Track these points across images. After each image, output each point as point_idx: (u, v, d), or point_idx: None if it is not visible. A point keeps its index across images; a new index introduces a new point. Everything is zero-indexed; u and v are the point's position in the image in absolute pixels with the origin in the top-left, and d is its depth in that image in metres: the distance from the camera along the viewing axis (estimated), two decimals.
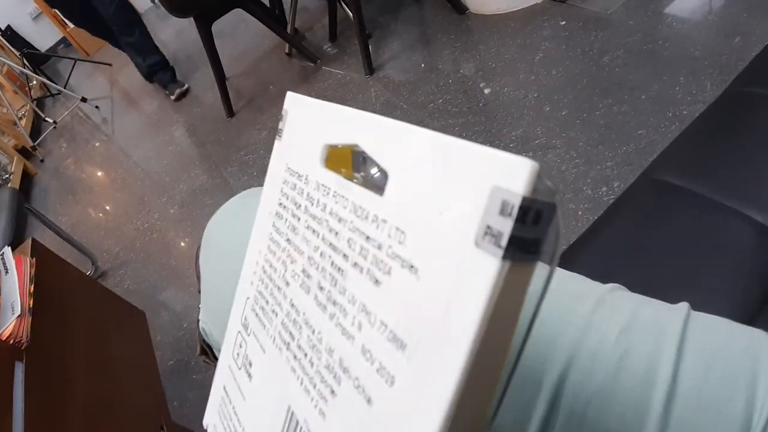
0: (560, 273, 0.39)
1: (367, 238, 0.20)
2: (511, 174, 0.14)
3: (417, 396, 0.16)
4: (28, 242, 1.07)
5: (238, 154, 2.30)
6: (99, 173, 3.03)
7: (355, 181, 0.21)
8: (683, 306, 0.35)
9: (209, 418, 0.34)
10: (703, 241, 0.61)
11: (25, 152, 3.51)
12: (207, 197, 2.20)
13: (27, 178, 3.31)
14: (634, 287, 0.38)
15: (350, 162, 0.22)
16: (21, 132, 3.58)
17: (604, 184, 1.33)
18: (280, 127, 0.30)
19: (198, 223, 2.11)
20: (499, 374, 0.15)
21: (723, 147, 0.69)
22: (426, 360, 0.16)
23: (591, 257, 0.67)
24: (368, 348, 0.18)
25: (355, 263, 0.20)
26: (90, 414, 0.91)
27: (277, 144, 0.30)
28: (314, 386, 0.21)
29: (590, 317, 0.34)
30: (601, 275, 0.39)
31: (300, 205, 0.25)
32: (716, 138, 0.71)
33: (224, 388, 0.31)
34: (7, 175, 3.17)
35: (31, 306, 0.92)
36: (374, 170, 0.20)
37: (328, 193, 0.23)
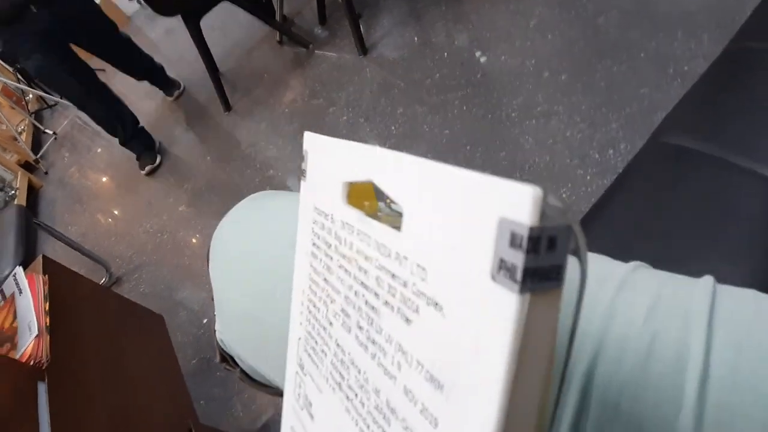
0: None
1: (393, 275, 0.19)
2: (516, 203, 0.13)
3: None
4: (39, 259, 1.07)
5: (239, 147, 2.29)
6: (104, 179, 3.03)
7: (379, 213, 0.21)
8: (708, 280, 0.33)
9: None
10: (718, 204, 0.60)
11: (28, 166, 3.52)
12: (213, 194, 2.20)
13: (33, 191, 3.32)
14: (653, 257, 0.37)
15: (373, 194, 0.22)
16: (22, 146, 3.58)
17: (611, 147, 1.31)
18: (303, 167, 0.29)
19: (207, 220, 2.11)
20: (542, 398, 0.15)
21: (729, 105, 0.68)
22: (463, 400, 0.15)
23: (606, 228, 0.66)
24: (410, 388, 0.18)
25: (386, 302, 0.20)
26: (116, 425, 0.92)
27: (302, 184, 0.30)
28: (368, 427, 0.21)
29: (614, 302, 0.33)
30: (618, 246, 0.38)
31: (330, 245, 0.25)
32: (722, 97, 0.70)
33: (292, 428, 0.31)
34: (12, 191, 3.18)
35: (47, 324, 0.92)
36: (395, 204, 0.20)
37: (352, 231, 0.23)
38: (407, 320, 0.18)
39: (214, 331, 0.53)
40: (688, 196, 0.62)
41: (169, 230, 2.22)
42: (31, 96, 4.29)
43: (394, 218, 0.20)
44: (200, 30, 2.30)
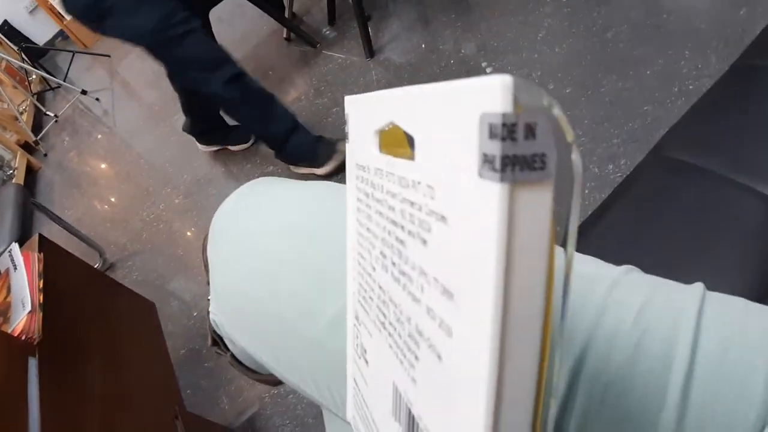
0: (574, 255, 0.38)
1: (412, 203, 0.20)
2: (491, 96, 0.14)
3: (469, 340, 0.15)
4: (35, 238, 1.07)
5: None
6: (103, 165, 3.03)
7: (398, 157, 0.22)
8: (698, 286, 0.34)
9: (350, 413, 0.35)
10: (714, 217, 0.60)
11: (28, 147, 3.51)
12: (211, 186, 2.20)
13: (31, 172, 3.31)
14: (646, 266, 0.37)
15: (404, 140, 0.22)
16: (23, 127, 3.58)
17: (611, 162, 1.32)
18: (346, 130, 0.31)
19: (203, 212, 2.11)
20: (545, 300, 0.15)
21: (732, 122, 0.69)
22: (467, 303, 0.15)
23: (602, 236, 0.66)
24: (431, 307, 0.18)
25: (409, 231, 0.20)
26: (105, 406, 0.92)
27: (347, 147, 0.31)
28: (405, 356, 0.22)
29: (605, 300, 0.33)
30: (613, 254, 0.38)
31: (369, 194, 0.26)
32: (725, 113, 0.70)
33: (354, 379, 0.33)
34: (11, 171, 3.17)
35: (41, 301, 0.92)
36: None
37: (382, 175, 0.24)
38: (424, 242, 0.19)
39: (208, 313, 0.54)
40: (684, 209, 0.63)
41: (165, 220, 2.22)
42: (34, 76, 4.29)
43: (406, 157, 0.21)
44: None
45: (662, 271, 0.36)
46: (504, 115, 0.13)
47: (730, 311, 0.33)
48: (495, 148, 0.13)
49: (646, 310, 0.32)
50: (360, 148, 0.28)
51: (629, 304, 0.33)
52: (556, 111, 0.14)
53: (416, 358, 0.20)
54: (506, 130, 0.13)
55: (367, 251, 0.27)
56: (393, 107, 0.23)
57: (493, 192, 0.14)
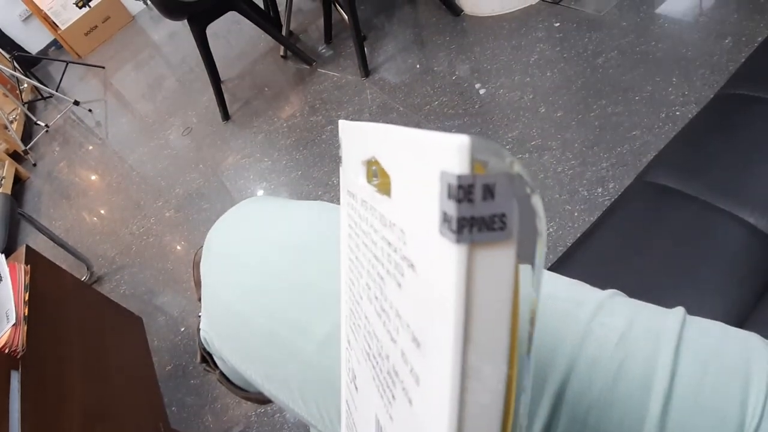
0: (560, 279, 0.39)
1: (389, 243, 0.20)
2: (450, 155, 0.14)
3: (433, 392, 0.15)
4: (22, 249, 1.07)
5: (234, 157, 2.30)
6: (93, 177, 3.02)
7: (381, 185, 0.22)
8: (679, 311, 0.35)
9: None
10: (696, 242, 0.62)
11: (17, 156, 3.50)
12: (203, 201, 2.20)
13: (19, 182, 3.29)
14: (630, 289, 0.38)
15: (387, 175, 0.22)
16: (12, 136, 3.57)
17: (600, 185, 1.33)
18: (340, 154, 0.31)
19: (194, 226, 2.10)
20: (509, 357, 0.15)
21: (715, 149, 0.70)
22: (432, 356, 0.15)
23: (588, 260, 0.67)
24: (405, 351, 0.18)
25: (388, 270, 0.20)
26: (88, 421, 0.91)
27: (340, 170, 0.31)
28: (384, 392, 0.21)
29: (589, 324, 0.34)
30: (598, 277, 0.39)
31: (357, 223, 0.26)
32: (708, 140, 0.72)
33: (347, 402, 0.32)
34: None
35: (26, 314, 0.91)
36: None
37: (367, 207, 0.24)
38: (399, 285, 0.18)
39: (198, 329, 0.53)
40: (668, 234, 0.64)
41: (155, 234, 2.21)
42: (26, 85, 4.28)
43: (386, 194, 0.21)
44: (206, 36, 2.32)
45: (646, 295, 0.37)
46: (460, 177, 0.13)
47: (709, 336, 0.34)
48: (452, 209, 0.13)
49: (628, 335, 0.33)
50: (350, 174, 0.28)
51: (612, 328, 0.34)
52: (517, 168, 0.14)
53: (393, 396, 0.20)
54: (462, 192, 0.13)
55: (357, 278, 0.27)
56: (375, 142, 0.22)
57: (450, 252, 0.14)
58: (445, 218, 0.14)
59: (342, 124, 0.30)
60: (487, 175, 0.13)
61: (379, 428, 0.23)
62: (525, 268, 0.15)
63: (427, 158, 0.15)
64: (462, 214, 0.13)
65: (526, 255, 0.14)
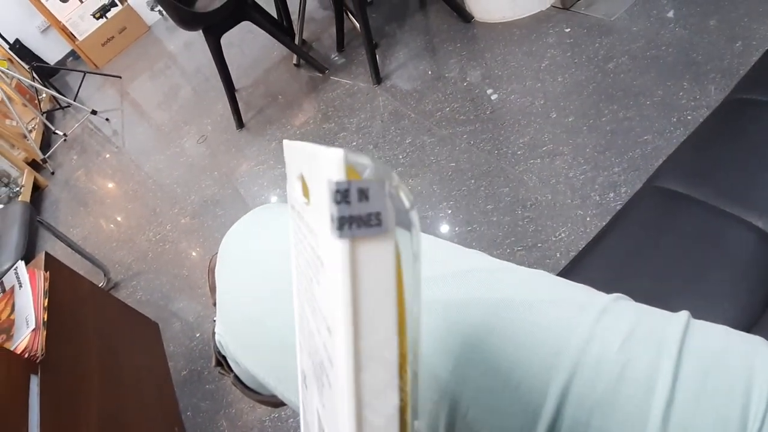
0: (565, 283, 0.40)
1: (312, 247, 0.22)
2: (331, 166, 0.16)
3: (338, 370, 0.17)
4: (42, 256, 1.09)
5: (248, 164, 2.32)
6: (110, 185, 3.06)
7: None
8: (683, 315, 0.35)
9: None
10: (705, 247, 0.62)
11: (35, 165, 3.55)
12: (218, 208, 2.22)
13: (37, 190, 3.35)
14: (638, 293, 0.38)
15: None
16: (31, 145, 3.62)
17: (612, 190, 1.33)
18: (286, 172, 0.33)
19: (210, 233, 2.13)
20: (399, 341, 0.17)
21: (724, 154, 0.70)
22: (336, 337, 0.17)
23: (598, 264, 0.67)
24: (325, 341, 0.20)
25: (314, 271, 0.22)
26: (105, 425, 0.93)
27: (288, 186, 0.33)
28: (319, 383, 0.23)
29: (593, 327, 0.35)
30: (607, 281, 0.40)
31: (296, 234, 0.29)
32: (718, 145, 0.72)
33: (302, 403, 0.34)
34: (17, 188, 3.21)
35: (45, 319, 0.93)
36: None
37: (301, 218, 0.26)
38: (318, 282, 0.21)
39: (213, 333, 0.55)
40: (676, 238, 0.64)
41: (170, 240, 2.23)
42: (44, 95, 4.35)
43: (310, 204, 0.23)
44: (220, 46, 2.35)
45: (654, 300, 0.38)
46: (338, 183, 0.16)
47: (712, 339, 0.34)
48: (334, 210, 0.16)
49: (632, 338, 0.34)
50: (291, 190, 0.30)
51: (616, 332, 0.34)
52: (392, 178, 0.17)
53: (323, 385, 0.22)
54: (340, 195, 0.16)
55: (301, 284, 0.29)
56: (301, 158, 0.25)
57: (336, 247, 0.16)
58: (332, 218, 0.16)
59: (285, 143, 0.32)
60: (361, 180, 0.16)
61: (319, 420, 0.25)
62: (406, 259, 0.18)
63: (322, 169, 0.18)
64: (341, 213, 0.16)
65: (407, 246, 0.18)
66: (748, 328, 0.54)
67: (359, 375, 0.17)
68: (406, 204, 0.17)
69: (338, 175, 0.16)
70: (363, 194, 0.16)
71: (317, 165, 0.19)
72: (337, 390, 0.18)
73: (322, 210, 0.18)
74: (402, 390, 0.18)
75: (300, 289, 0.30)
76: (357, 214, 0.16)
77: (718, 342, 0.34)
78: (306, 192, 0.25)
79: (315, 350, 0.24)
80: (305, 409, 0.32)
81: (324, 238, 0.18)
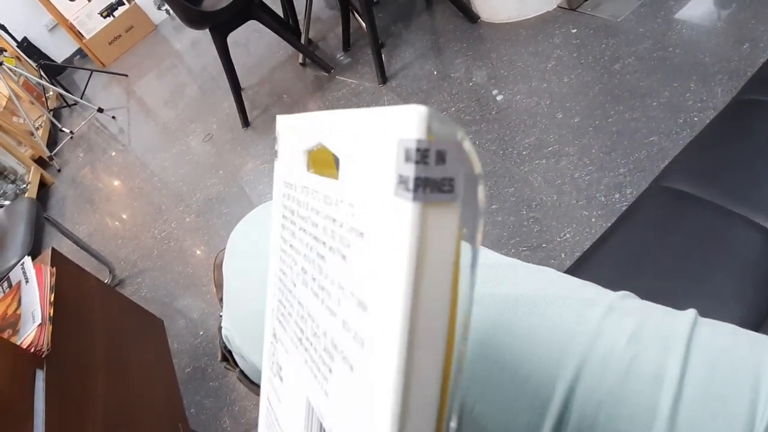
0: (572, 280, 0.40)
1: (334, 220, 0.21)
2: (408, 123, 0.15)
3: (379, 347, 0.16)
4: (48, 252, 1.09)
5: (253, 163, 2.33)
6: (116, 182, 3.07)
7: (324, 176, 0.23)
8: (690, 312, 0.35)
9: None
10: (712, 247, 0.62)
11: (42, 162, 3.57)
12: (223, 206, 2.23)
13: (44, 187, 3.36)
14: (645, 293, 0.39)
15: (332, 162, 0.23)
16: (38, 142, 3.64)
17: (617, 191, 1.33)
18: (276, 148, 0.32)
19: (215, 231, 2.13)
20: (447, 319, 0.16)
21: (731, 154, 0.70)
22: (379, 314, 0.16)
23: (604, 263, 0.67)
24: (346, 320, 0.19)
25: (330, 247, 0.21)
26: (109, 421, 0.93)
27: (276, 165, 0.32)
28: (319, 370, 0.22)
29: (601, 323, 0.35)
30: (614, 281, 0.39)
31: (294, 211, 0.27)
32: (725, 145, 0.72)
33: (268, 398, 0.32)
34: (24, 185, 3.22)
35: (51, 315, 0.93)
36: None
37: (308, 192, 0.25)
38: (343, 257, 0.20)
39: (220, 328, 0.55)
40: (683, 238, 0.64)
41: (176, 238, 2.24)
42: (51, 93, 4.36)
43: (332, 176, 0.22)
44: (226, 45, 2.36)
45: (660, 299, 0.38)
46: (418, 141, 0.15)
47: (720, 336, 0.34)
48: (409, 170, 0.15)
49: (639, 333, 0.34)
50: (289, 166, 0.29)
51: (623, 327, 0.34)
52: (467, 144, 0.15)
53: (330, 371, 0.21)
54: (420, 155, 0.15)
55: (289, 267, 0.28)
56: (322, 129, 0.24)
57: (406, 210, 0.15)
58: (401, 180, 0.15)
59: (280, 118, 0.31)
60: (439, 141, 0.15)
61: (310, 410, 0.23)
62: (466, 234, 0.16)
63: (383, 129, 0.17)
64: (418, 174, 0.15)
65: (467, 221, 0.16)
66: (756, 327, 0.54)
67: (411, 356, 0.15)
68: (476, 171, 0.16)
69: (418, 132, 0.15)
70: (441, 157, 0.15)
71: (377, 126, 0.17)
72: (367, 371, 0.17)
73: (372, 175, 0.17)
74: (444, 378, 0.16)
75: (287, 273, 0.28)
76: (432, 177, 0.15)
77: (726, 339, 0.34)
78: (328, 163, 0.24)
79: (314, 335, 0.23)
80: (273, 402, 0.31)
81: (370, 206, 0.17)
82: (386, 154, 0.16)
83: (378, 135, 0.17)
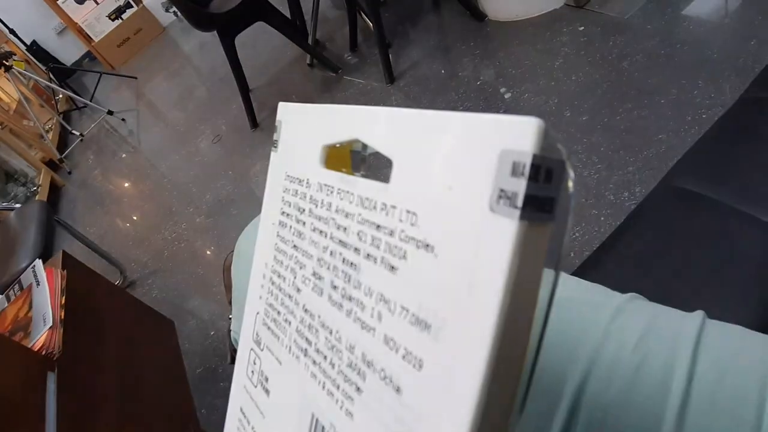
0: (580, 283, 0.40)
1: (378, 227, 0.19)
2: (519, 135, 0.14)
3: (449, 374, 0.15)
4: (59, 255, 1.10)
5: (262, 163, 2.34)
6: (126, 184, 3.09)
7: (358, 175, 0.22)
8: (698, 314, 0.35)
9: None
10: (720, 247, 0.61)
11: (52, 165, 3.59)
12: (233, 207, 2.23)
13: (54, 190, 3.38)
14: (653, 293, 0.38)
15: (349, 161, 0.22)
16: (48, 145, 3.66)
17: (626, 189, 1.32)
18: (275, 138, 0.30)
19: (224, 232, 2.14)
20: (526, 348, 0.15)
21: (739, 153, 0.70)
22: (454, 335, 0.15)
23: (612, 263, 0.67)
24: (391, 336, 0.18)
25: (368, 254, 0.20)
26: (121, 422, 0.94)
27: (273, 156, 0.30)
28: (338, 387, 0.21)
29: (609, 326, 0.35)
30: (622, 281, 0.39)
31: (304, 210, 0.25)
32: (732, 144, 0.72)
33: (241, 409, 0.30)
34: (34, 188, 3.24)
35: (62, 317, 0.94)
36: (377, 163, 0.21)
37: (332, 192, 0.23)
38: (392, 268, 0.18)
39: (228, 331, 0.55)
40: (691, 238, 0.64)
41: (186, 239, 2.25)
42: (61, 96, 4.39)
43: (373, 178, 0.21)
44: (234, 46, 2.36)
45: (669, 299, 0.37)
46: (534, 156, 0.14)
47: (728, 338, 0.34)
48: (519, 186, 0.14)
49: (647, 337, 0.34)
50: (295, 159, 0.27)
51: (631, 331, 0.34)
52: (569, 165, 0.15)
53: (358, 389, 0.19)
54: (533, 170, 0.14)
55: (289, 270, 0.26)
56: (363, 125, 0.22)
57: (509, 227, 0.14)
58: (504, 195, 0.14)
59: (284, 106, 0.29)
60: (551, 159, 0.14)
61: (321, 428, 0.22)
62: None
63: (480, 139, 0.15)
64: (530, 192, 0.14)
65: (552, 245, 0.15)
66: (765, 329, 0.53)
67: (489, 387, 0.14)
68: (570, 192, 0.15)
69: (533, 146, 0.14)
70: (549, 174, 0.14)
71: (471, 130, 0.16)
72: (428, 399, 0.16)
73: (452, 184, 0.16)
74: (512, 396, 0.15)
75: (286, 277, 0.26)
76: (539, 196, 0.14)
77: (734, 342, 0.34)
78: (337, 161, 0.22)
79: (332, 348, 0.21)
80: (252, 416, 0.29)
81: (445, 218, 0.16)
82: (479, 164, 0.15)
83: (467, 143, 0.16)
